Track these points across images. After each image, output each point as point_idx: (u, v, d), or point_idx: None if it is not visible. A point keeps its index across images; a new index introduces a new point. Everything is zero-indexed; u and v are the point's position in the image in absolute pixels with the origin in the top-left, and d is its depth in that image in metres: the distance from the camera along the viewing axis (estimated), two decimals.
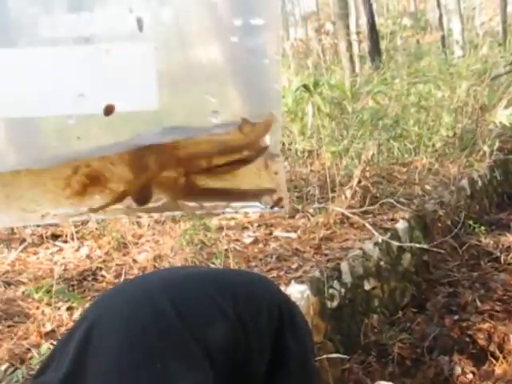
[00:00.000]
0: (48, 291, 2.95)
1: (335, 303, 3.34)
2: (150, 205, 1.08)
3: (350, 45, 9.57)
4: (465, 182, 5.83)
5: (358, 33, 11.75)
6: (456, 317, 3.75)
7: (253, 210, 1.14)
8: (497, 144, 6.26)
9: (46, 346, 2.48)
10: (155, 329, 1.04)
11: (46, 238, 3.79)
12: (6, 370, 2.36)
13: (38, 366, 2.19)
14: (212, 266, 3.25)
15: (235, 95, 1.04)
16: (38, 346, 2.56)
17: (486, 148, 6.26)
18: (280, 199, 1.10)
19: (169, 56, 1.01)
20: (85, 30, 0.96)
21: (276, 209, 1.11)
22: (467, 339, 3.45)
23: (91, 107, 0.97)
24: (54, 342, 2.57)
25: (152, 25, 0.96)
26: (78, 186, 1.04)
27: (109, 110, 0.95)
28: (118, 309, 1.09)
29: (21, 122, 1.01)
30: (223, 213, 3.65)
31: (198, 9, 1.00)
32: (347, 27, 9.77)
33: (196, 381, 1.01)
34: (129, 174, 1.03)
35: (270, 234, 3.94)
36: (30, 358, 2.48)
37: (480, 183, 6.17)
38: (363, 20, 9.92)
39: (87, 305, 2.88)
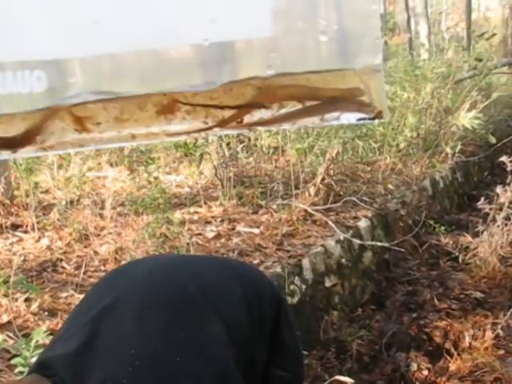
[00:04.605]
0: (5, 282, 2.89)
1: (296, 299, 3.36)
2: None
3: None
4: (427, 183, 5.93)
5: None
6: (414, 315, 3.82)
7: (359, 121, 1.30)
8: (459, 146, 6.38)
9: (1, 338, 2.43)
10: (179, 305, 1.06)
11: (6, 227, 3.72)
12: None
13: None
14: None
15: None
16: None
17: (448, 150, 6.38)
18: (380, 112, 1.26)
19: None
20: None
21: (377, 121, 1.28)
22: (424, 336, 3.51)
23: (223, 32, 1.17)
24: (10, 334, 2.53)
25: None
26: None
27: None
28: (139, 287, 1.10)
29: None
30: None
31: None
32: None
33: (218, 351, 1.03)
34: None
35: (233, 228, 3.94)
36: None
37: (441, 184, 6.29)
38: None
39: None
